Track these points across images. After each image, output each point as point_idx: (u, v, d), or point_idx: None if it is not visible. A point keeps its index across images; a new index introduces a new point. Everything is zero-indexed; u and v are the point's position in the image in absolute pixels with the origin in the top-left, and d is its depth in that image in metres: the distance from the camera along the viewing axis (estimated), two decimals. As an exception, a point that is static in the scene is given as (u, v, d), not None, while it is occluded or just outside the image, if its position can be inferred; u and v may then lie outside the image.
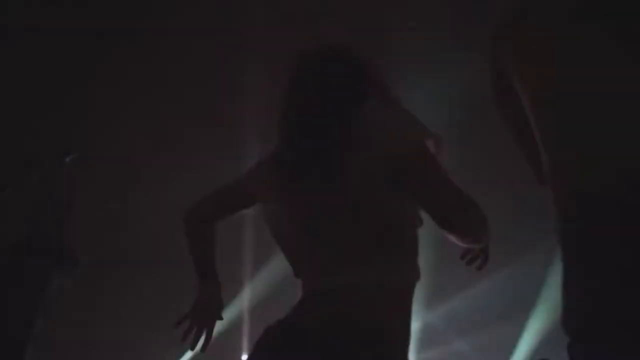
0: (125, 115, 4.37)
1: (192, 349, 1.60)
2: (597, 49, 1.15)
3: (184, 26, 3.91)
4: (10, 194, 3.22)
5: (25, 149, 3.90)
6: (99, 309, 5.78)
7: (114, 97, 4.23)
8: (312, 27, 3.59)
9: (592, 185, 1.11)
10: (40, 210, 3.38)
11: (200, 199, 1.78)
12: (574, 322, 1.12)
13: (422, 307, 5.71)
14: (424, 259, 1.54)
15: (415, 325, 1.55)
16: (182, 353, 6.69)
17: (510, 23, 1.33)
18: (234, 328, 6.67)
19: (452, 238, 1.40)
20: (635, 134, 1.09)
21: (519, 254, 5.23)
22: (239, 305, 6.44)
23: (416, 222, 1.49)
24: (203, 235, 1.75)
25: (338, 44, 1.60)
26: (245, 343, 7.04)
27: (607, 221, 1.07)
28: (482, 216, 1.38)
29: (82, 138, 4.06)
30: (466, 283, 5.79)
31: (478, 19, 3.12)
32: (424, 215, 1.47)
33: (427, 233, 1.52)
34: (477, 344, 6.66)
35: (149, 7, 3.80)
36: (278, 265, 5.06)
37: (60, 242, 3.39)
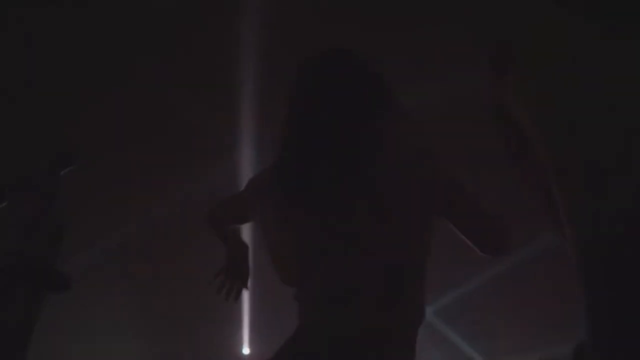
0: (119, 120, 4.37)
1: (227, 300, 1.68)
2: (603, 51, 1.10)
3: (182, 24, 3.90)
4: (5, 210, 3.16)
5: (21, 157, 3.87)
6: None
7: (109, 101, 4.22)
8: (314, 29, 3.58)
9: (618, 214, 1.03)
10: (34, 228, 3.26)
11: (214, 206, 1.76)
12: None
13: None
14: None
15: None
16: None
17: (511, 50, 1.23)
18: (234, 322, 6.71)
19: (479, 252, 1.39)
20: None
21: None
22: (239, 301, 6.46)
23: (427, 258, 1.39)
24: (221, 231, 1.77)
25: (342, 47, 1.54)
26: (245, 336, 7.10)
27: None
28: (511, 235, 1.39)
29: (78, 143, 4.04)
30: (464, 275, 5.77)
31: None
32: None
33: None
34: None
35: (149, 6, 3.79)
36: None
37: (52, 264, 3.29)
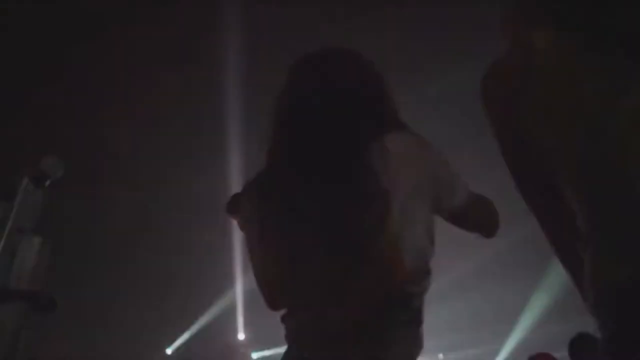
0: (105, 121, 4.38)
1: None
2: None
3: (179, 25, 3.91)
4: None
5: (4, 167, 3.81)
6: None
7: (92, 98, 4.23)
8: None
9: None
10: (17, 248, 3.14)
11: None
12: None
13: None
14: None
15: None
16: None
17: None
18: (231, 313, 6.79)
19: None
20: None
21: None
22: (234, 294, 6.54)
23: (426, 283, 1.27)
24: None
25: (339, 47, 1.45)
26: (240, 324, 7.16)
27: None
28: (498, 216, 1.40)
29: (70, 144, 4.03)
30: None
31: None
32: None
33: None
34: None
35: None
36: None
37: (37, 285, 3.20)
